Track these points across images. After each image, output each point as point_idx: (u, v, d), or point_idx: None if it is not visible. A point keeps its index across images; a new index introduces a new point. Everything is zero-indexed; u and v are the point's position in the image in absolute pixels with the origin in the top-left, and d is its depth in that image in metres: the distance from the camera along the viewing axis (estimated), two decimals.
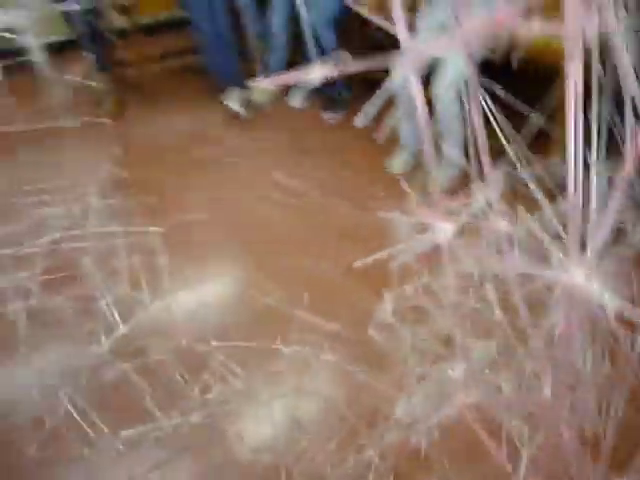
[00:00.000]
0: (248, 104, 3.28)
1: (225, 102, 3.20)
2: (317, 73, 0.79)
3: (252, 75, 3.42)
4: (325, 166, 2.61)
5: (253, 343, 1.48)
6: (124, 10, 3.15)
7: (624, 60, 0.51)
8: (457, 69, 2.19)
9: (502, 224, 0.68)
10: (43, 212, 2.14)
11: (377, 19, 0.64)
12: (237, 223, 2.27)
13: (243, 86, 3.26)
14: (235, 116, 3.18)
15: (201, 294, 1.94)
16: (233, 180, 2.61)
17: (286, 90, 3.37)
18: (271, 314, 1.69)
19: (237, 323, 1.75)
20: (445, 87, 2.22)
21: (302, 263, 1.95)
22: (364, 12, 2.78)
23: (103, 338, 1.64)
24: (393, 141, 2.60)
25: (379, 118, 2.86)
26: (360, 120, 2.37)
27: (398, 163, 2.53)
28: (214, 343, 1.53)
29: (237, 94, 3.21)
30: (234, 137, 3.00)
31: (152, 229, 2.01)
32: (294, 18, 3.28)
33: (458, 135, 2.29)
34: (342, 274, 1.86)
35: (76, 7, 1.83)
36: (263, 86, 3.42)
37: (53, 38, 1.79)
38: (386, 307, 1.24)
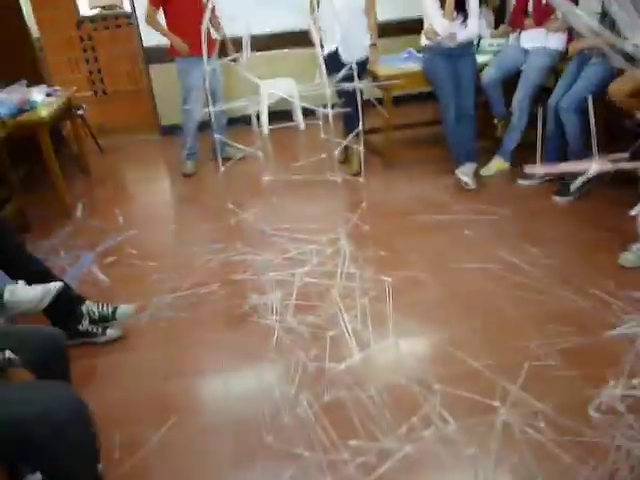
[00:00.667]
0: (478, 177, 3.48)
1: (457, 172, 3.45)
2: (594, 168, 0.94)
3: (487, 152, 3.63)
4: (550, 249, 2.65)
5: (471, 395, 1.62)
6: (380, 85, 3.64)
7: None
8: None
9: None
10: (295, 247, 2.59)
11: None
12: (455, 287, 2.44)
13: (475, 160, 3.48)
14: (465, 187, 3.40)
15: (415, 343, 2.13)
16: (456, 246, 2.79)
17: (519, 169, 3.48)
18: (484, 378, 1.81)
19: (445, 374, 1.88)
20: None
21: (516, 338, 2.03)
22: (619, 98, 2.81)
23: (329, 363, 1.93)
24: (626, 233, 2.53)
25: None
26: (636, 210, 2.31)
27: (631, 257, 2.45)
28: (436, 386, 1.70)
29: (469, 167, 3.44)
30: (461, 206, 3.19)
31: (383, 278, 2.30)
32: (537, 99, 3.43)
33: None
34: (557, 355, 1.89)
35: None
36: (497, 163, 3.60)
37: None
38: (613, 392, 1.27)
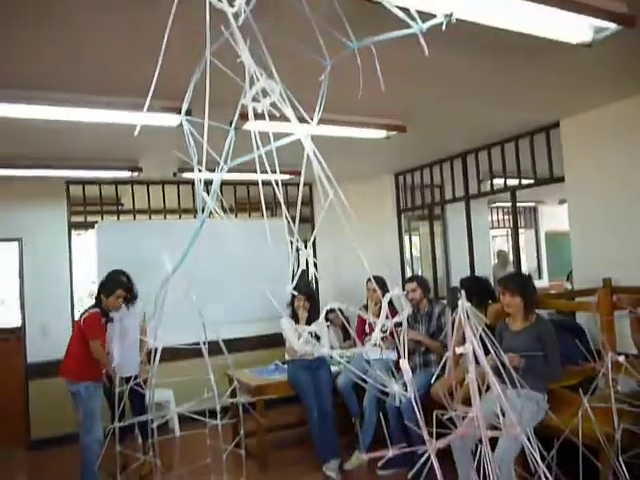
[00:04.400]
0: (342, 471, 3.92)
1: (324, 469, 3.87)
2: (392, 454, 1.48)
3: (347, 446, 4.15)
4: None
5: None
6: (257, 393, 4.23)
7: None
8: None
9: None
10: None
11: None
12: None
13: (338, 456, 3.97)
14: None
15: None
16: None
17: (376, 460, 4.00)
18: None
19: None
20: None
21: None
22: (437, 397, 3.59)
23: None
24: None
25: None
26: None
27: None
28: None
29: (334, 464, 3.89)
30: None
31: None
32: (382, 403, 4.18)
33: None
34: None
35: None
36: (357, 457, 4.11)
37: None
38: None
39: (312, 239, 5.81)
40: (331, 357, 4.24)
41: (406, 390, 1.21)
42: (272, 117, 0.91)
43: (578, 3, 2.06)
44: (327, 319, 4.82)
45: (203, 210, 1.00)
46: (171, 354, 1.23)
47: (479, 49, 2.63)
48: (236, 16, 0.89)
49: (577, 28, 2.28)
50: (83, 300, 6.47)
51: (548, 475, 1.30)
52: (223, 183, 1.00)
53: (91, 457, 3.64)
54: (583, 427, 2.08)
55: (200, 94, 1.00)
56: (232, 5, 0.89)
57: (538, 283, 7.41)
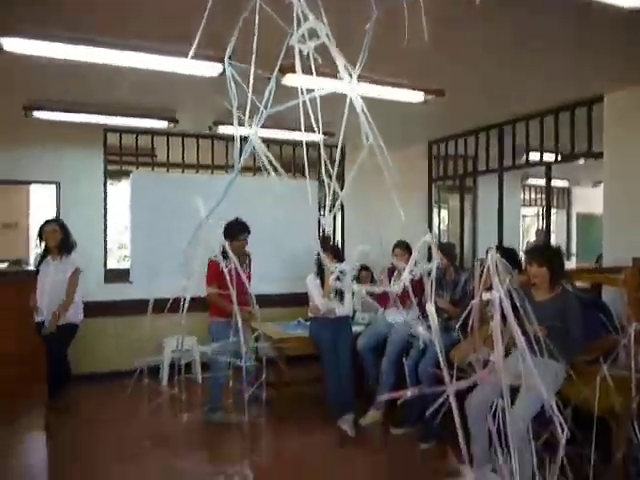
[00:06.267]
0: (357, 427, 4.03)
1: (338, 423, 3.98)
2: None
3: (362, 406, 4.26)
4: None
5: None
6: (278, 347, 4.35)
7: None
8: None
9: None
10: None
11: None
12: None
13: (353, 412, 4.07)
14: (345, 436, 3.90)
15: None
16: None
17: (390, 420, 4.10)
18: None
19: None
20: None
21: None
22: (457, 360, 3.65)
23: None
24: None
25: None
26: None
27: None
28: None
29: (348, 418, 4.00)
30: (343, 455, 3.67)
31: None
32: (401, 365, 4.24)
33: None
34: None
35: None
36: (372, 415, 4.21)
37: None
38: None
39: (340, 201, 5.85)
40: (354, 317, 4.33)
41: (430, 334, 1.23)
42: (315, 67, 0.89)
43: None
44: (358, 276, 4.88)
45: (240, 157, 0.98)
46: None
47: (529, 11, 2.57)
48: None
49: None
50: (112, 250, 6.66)
51: (565, 428, 1.33)
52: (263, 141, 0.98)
53: None
54: (600, 398, 2.11)
55: (243, 44, 1.00)
56: None
57: (567, 264, 7.32)
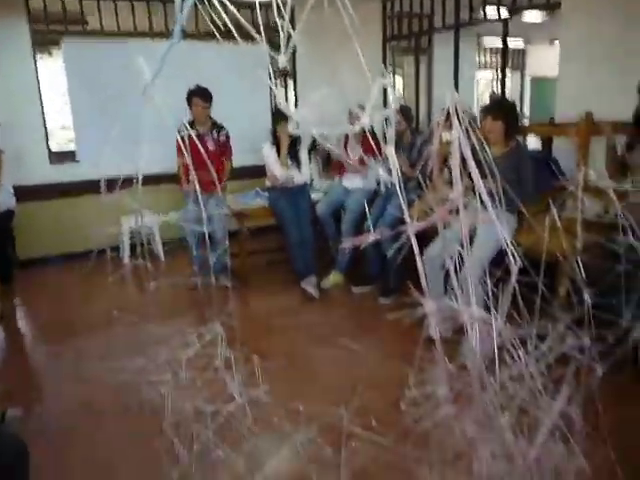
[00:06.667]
0: (320, 289, 4.21)
1: (302, 284, 4.15)
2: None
3: (325, 270, 4.41)
4: (375, 336, 3.36)
5: None
6: (239, 218, 4.36)
7: None
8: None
9: None
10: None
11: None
12: (309, 370, 2.98)
13: (316, 274, 4.23)
14: (310, 297, 4.09)
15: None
16: (309, 338, 3.41)
17: (351, 281, 4.29)
18: None
19: None
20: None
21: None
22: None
23: None
24: None
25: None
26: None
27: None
28: None
29: (311, 280, 4.17)
30: (308, 312, 3.86)
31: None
32: (361, 227, 4.35)
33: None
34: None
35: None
36: (334, 276, 4.39)
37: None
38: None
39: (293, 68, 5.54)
40: (311, 184, 4.31)
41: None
42: None
43: None
44: (314, 147, 4.83)
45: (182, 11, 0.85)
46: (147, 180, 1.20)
47: None
48: None
49: None
50: (54, 132, 6.28)
51: (518, 259, 1.42)
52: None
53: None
54: (547, 245, 2.22)
55: None
56: None
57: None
